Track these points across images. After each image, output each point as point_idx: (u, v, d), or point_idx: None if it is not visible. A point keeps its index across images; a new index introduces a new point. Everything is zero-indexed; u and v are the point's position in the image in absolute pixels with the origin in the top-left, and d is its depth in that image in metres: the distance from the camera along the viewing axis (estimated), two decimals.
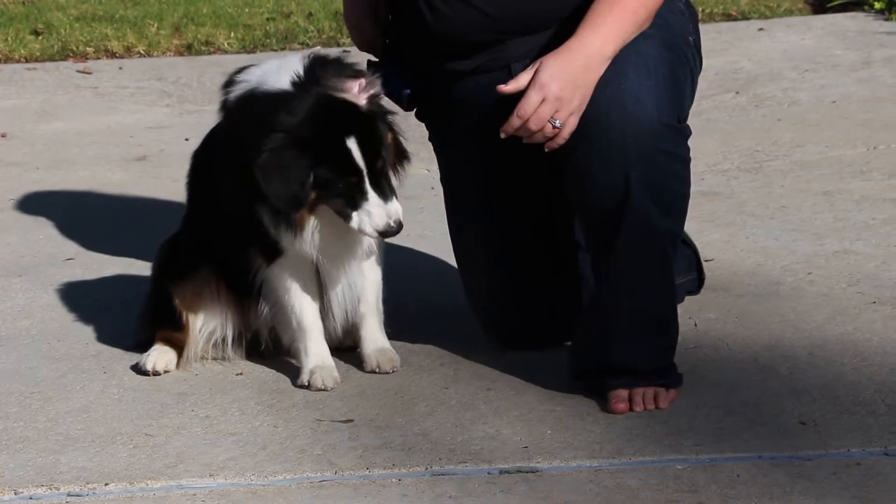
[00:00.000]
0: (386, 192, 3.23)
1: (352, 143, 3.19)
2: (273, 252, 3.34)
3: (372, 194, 3.21)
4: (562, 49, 3.18)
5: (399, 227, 3.23)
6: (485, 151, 3.45)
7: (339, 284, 3.42)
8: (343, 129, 3.20)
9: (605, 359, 3.22)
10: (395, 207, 3.23)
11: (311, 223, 3.26)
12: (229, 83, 3.33)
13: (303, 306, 3.38)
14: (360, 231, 3.25)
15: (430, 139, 3.64)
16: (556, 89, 3.14)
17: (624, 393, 3.18)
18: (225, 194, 3.33)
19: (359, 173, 3.20)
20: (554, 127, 3.16)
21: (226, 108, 3.34)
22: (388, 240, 3.37)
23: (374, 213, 3.22)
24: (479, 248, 3.54)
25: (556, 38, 3.28)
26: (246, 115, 3.26)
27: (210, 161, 3.45)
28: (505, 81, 3.25)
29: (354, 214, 3.22)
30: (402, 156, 3.37)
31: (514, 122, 3.18)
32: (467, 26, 3.34)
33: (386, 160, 3.26)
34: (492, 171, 3.48)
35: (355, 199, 3.21)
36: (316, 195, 3.22)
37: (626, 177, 3.12)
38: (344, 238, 3.32)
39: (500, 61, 3.37)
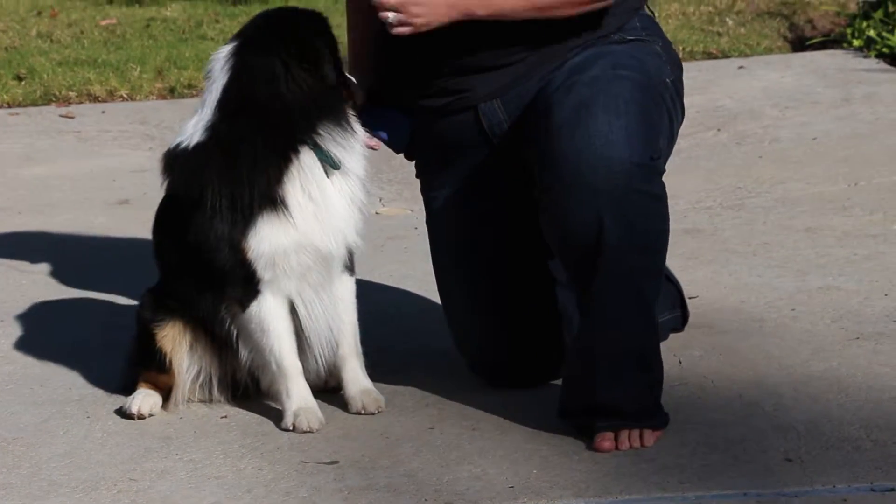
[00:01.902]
0: None
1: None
2: (248, 296, 3.34)
3: None
4: None
5: None
6: (463, 192, 3.47)
7: (317, 326, 3.42)
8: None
9: (591, 397, 3.22)
10: None
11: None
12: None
13: (281, 348, 3.38)
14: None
15: (416, 177, 3.65)
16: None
17: (609, 434, 3.19)
18: (189, 244, 3.34)
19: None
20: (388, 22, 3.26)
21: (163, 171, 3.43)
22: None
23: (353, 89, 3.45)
24: (463, 288, 3.54)
25: (520, 74, 3.31)
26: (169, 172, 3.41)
27: (167, 226, 3.47)
28: (473, 122, 3.33)
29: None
30: None
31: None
32: (440, 60, 3.39)
33: None
34: (472, 211, 3.49)
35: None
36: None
37: (600, 217, 3.13)
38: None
39: (466, 101, 3.41)
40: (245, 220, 3.28)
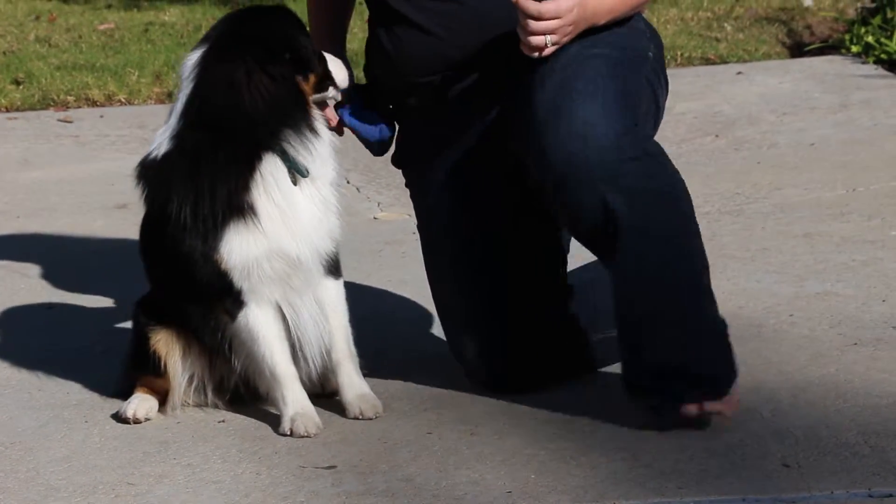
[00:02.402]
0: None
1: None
2: (235, 306, 3.34)
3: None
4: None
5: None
6: (455, 191, 3.47)
7: (308, 331, 3.41)
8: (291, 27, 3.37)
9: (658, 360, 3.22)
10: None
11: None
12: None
13: (273, 356, 3.37)
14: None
15: (406, 186, 3.65)
16: (573, 18, 3.23)
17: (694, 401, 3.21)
18: (172, 261, 3.34)
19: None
20: (546, 44, 3.24)
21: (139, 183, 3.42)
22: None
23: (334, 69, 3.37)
24: (457, 296, 3.54)
25: (493, 78, 3.34)
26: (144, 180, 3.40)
27: (149, 239, 3.47)
28: (448, 124, 3.40)
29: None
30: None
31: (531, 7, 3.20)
32: (422, 58, 3.41)
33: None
34: (464, 216, 3.49)
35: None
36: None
37: (603, 196, 3.15)
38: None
39: (441, 101, 3.42)
40: (213, 232, 3.27)
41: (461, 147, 3.48)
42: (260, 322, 3.35)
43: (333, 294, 3.44)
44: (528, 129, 3.22)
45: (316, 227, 3.34)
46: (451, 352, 3.58)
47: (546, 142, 3.18)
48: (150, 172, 3.36)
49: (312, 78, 3.34)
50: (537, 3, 3.21)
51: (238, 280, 3.31)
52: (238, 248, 3.28)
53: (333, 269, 3.43)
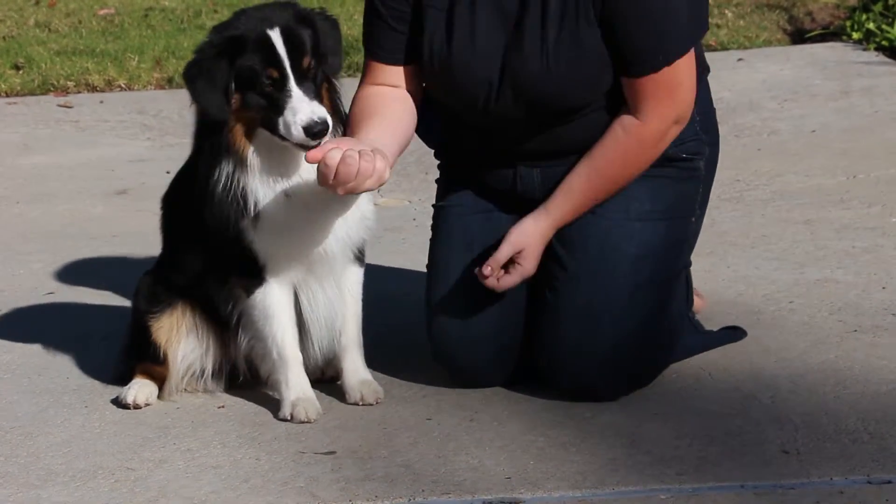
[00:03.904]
0: (313, 93, 3.14)
1: (275, 35, 3.13)
2: (253, 282, 3.34)
3: (297, 91, 3.12)
4: (541, 217, 3.36)
5: (325, 125, 3.12)
6: (480, 210, 3.52)
7: (319, 314, 3.41)
8: (268, 22, 3.15)
9: None
10: (321, 108, 3.13)
11: (250, 152, 3.20)
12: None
13: (283, 337, 3.38)
14: (287, 138, 3.14)
15: (437, 180, 3.65)
16: (530, 259, 3.35)
17: None
18: (198, 224, 3.32)
19: (280, 66, 3.13)
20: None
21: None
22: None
23: (298, 108, 3.12)
24: (458, 285, 3.51)
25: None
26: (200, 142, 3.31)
27: (180, 198, 3.45)
28: (509, 180, 3.44)
29: (280, 120, 3.13)
30: (336, 95, 3.29)
31: (485, 270, 3.35)
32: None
33: (315, 63, 3.16)
34: (484, 222, 3.51)
35: (279, 100, 3.13)
36: (240, 98, 3.15)
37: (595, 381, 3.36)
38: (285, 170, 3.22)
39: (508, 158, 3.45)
40: (246, 210, 3.25)
41: (503, 191, 3.49)
42: (275, 302, 3.34)
43: (354, 281, 3.43)
44: (557, 299, 3.38)
45: (346, 218, 3.31)
46: (431, 346, 3.54)
47: (565, 335, 3.36)
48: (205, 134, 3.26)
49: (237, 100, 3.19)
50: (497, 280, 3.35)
51: (262, 258, 3.30)
52: (270, 234, 3.25)
53: (358, 256, 3.43)
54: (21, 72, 7.15)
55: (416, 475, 3.07)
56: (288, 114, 3.12)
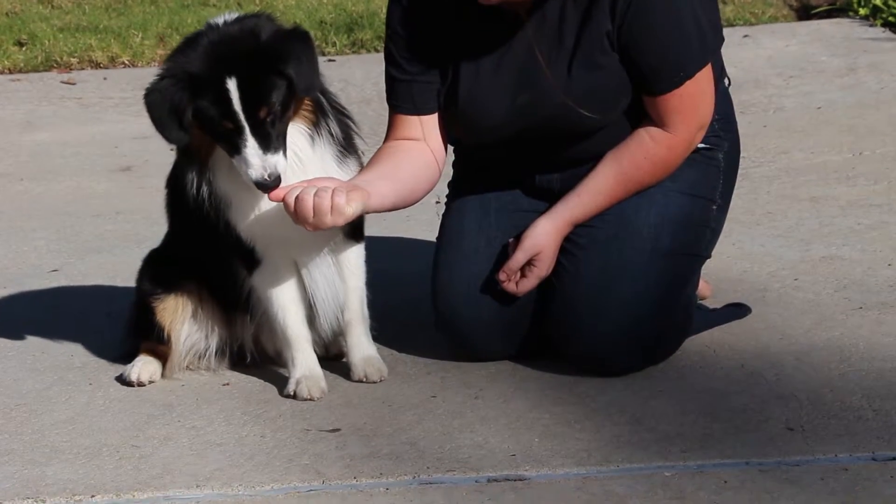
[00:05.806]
0: (269, 142, 3.09)
1: (231, 85, 3.07)
2: (252, 261, 3.34)
3: (251, 143, 3.09)
4: (558, 216, 3.38)
5: (276, 181, 3.09)
6: (493, 205, 3.53)
7: (322, 291, 3.41)
8: (226, 68, 3.07)
9: None
10: (274, 160, 3.09)
11: (214, 158, 3.20)
12: None
13: (286, 317, 3.38)
14: (242, 175, 3.14)
15: (453, 172, 3.66)
16: (546, 261, 3.37)
17: None
18: (197, 206, 3.32)
19: (235, 119, 3.09)
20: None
21: None
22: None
23: (251, 162, 3.10)
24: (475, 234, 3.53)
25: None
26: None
27: (181, 177, 3.45)
28: (528, 183, 3.47)
29: (236, 158, 3.13)
30: (320, 111, 3.22)
31: (501, 276, 3.39)
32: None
33: (276, 111, 3.10)
34: (495, 212, 3.53)
35: (236, 143, 3.10)
36: (199, 128, 3.13)
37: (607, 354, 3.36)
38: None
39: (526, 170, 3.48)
40: (223, 207, 3.26)
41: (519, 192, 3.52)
42: (274, 282, 3.35)
43: (353, 257, 3.43)
44: (574, 285, 3.38)
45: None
46: (434, 310, 3.53)
47: (582, 318, 3.35)
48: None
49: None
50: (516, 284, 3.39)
51: (251, 243, 3.30)
52: (245, 213, 3.27)
53: (355, 233, 3.42)
54: (24, 48, 7.14)
55: (421, 452, 3.08)
56: (241, 162, 3.11)
